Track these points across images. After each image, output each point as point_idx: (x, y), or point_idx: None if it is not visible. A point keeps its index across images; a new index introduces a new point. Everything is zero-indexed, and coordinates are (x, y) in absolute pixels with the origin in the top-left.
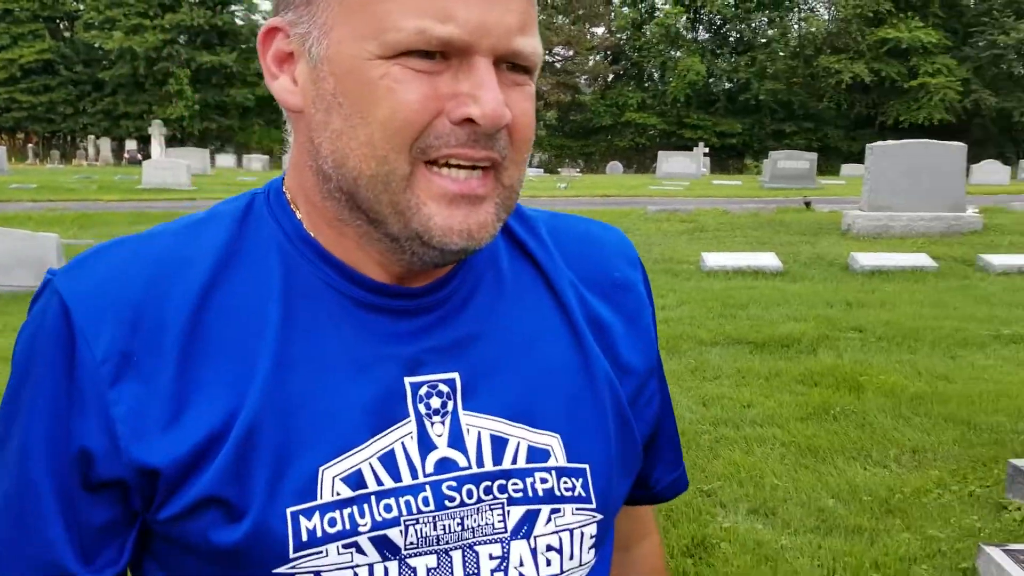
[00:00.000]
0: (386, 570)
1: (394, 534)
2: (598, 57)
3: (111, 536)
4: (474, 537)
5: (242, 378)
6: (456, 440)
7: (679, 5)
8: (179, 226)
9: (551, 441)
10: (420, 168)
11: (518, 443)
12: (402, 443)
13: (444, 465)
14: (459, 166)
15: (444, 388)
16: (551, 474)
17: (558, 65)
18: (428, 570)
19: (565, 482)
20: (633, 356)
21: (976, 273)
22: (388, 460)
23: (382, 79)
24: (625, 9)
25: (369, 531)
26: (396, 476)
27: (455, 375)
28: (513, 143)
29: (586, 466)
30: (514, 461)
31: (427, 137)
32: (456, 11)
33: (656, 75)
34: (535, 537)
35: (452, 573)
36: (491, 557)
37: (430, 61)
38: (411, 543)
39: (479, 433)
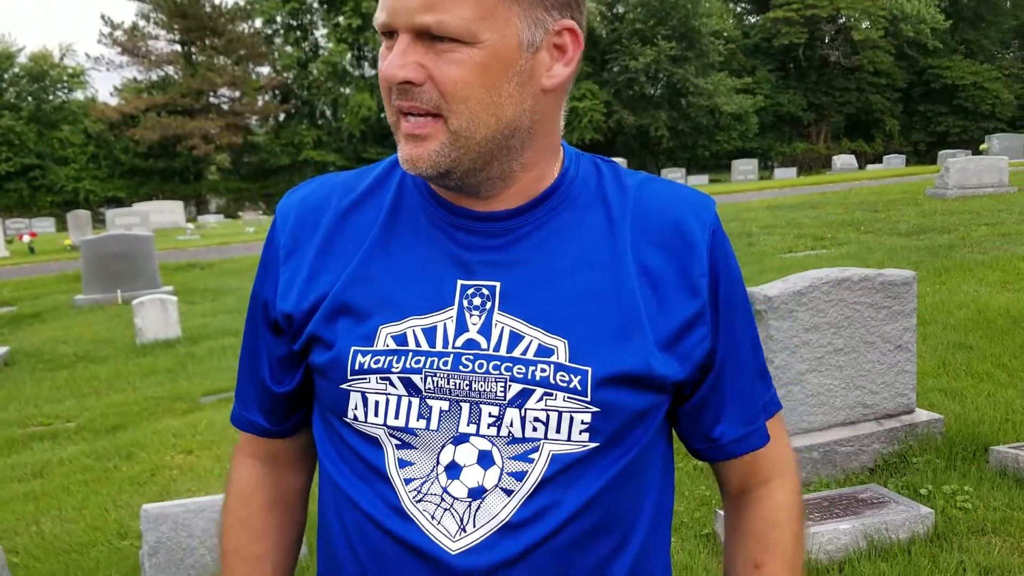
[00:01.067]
0: (410, 403)
1: (416, 379)
2: (267, 97)
3: (287, 366)
4: (479, 398)
5: (346, 263)
6: (485, 329)
7: (342, 43)
8: (363, 168)
9: (558, 344)
10: (400, 117)
11: (531, 340)
12: (444, 323)
13: (470, 344)
14: (412, 114)
15: (486, 292)
16: (550, 367)
17: (225, 107)
18: (441, 412)
19: (562, 376)
20: (677, 300)
21: None
22: (429, 331)
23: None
24: (288, 48)
25: (399, 372)
26: (432, 343)
27: (497, 284)
28: (444, 97)
29: (588, 368)
30: (524, 352)
31: (392, 97)
32: (380, 15)
33: (328, 112)
34: (526, 409)
35: (460, 417)
36: (490, 415)
37: (390, 39)
38: (429, 388)
39: (503, 328)
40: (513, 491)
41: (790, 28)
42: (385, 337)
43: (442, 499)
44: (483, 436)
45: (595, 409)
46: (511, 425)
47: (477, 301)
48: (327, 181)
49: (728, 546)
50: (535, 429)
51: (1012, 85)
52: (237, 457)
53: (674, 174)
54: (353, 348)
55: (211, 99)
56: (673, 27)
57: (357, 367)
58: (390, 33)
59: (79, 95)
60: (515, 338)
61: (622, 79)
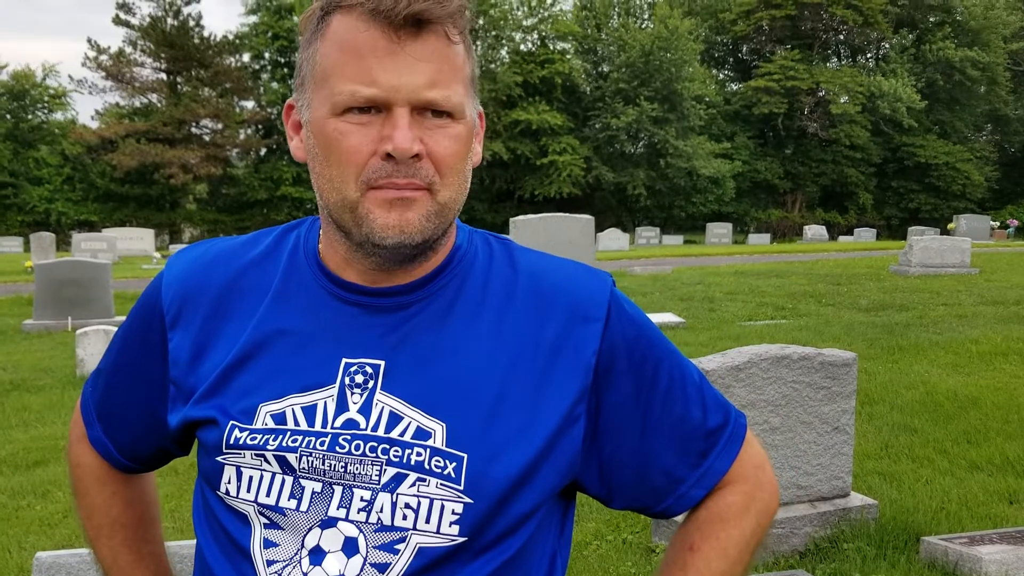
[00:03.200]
0: (283, 481)
1: (291, 457)
2: (249, 131)
3: (161, 426)
4: (353, 481)
5: (232, 339)
6: (365, 409)
7: None
8: (251, 235)
9: (436, 427)
10: (367, 192)
11: (410, 422)
12: (324, 401)
13: (349, 424)
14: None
15: (369, 370)
16: (426, 451)
17: (207, 138)
18: (313, 493)
19: (437, 461)
20: (564, 382)
21: None
22: (309, 410)
23: (333, 131)
24: (274, 84)
25: (274, 451)
26: (311, 422)
27: (381, 363)
28: (439, 171)
29: (464, 455)
30: (402, 434)
31: (367, 172)
32: (377, 76)
33: None
34: (398, 494)
35: (331, 500)
36: (361, 499)
37: (365, 115)
38: (303, 468)
39: (383, 408)
40: None
41: (770, 98)
42: (264, 415)
43: None
44: (351, 521)
45: (468, 500)
46: (381, 511)
47: (360, 379)
48: (213, 247)
49: (671, 539)
50: (404, 517)
51: (983, 167)
52: (76, 446)
53: (648, 233)
54: (232, 423)
55: (193, 129)
56: (656, 89)
57: (233, 442)
58: (366, 108)
59: (59, 116)
60: (394, 419)
61: (603, 136)
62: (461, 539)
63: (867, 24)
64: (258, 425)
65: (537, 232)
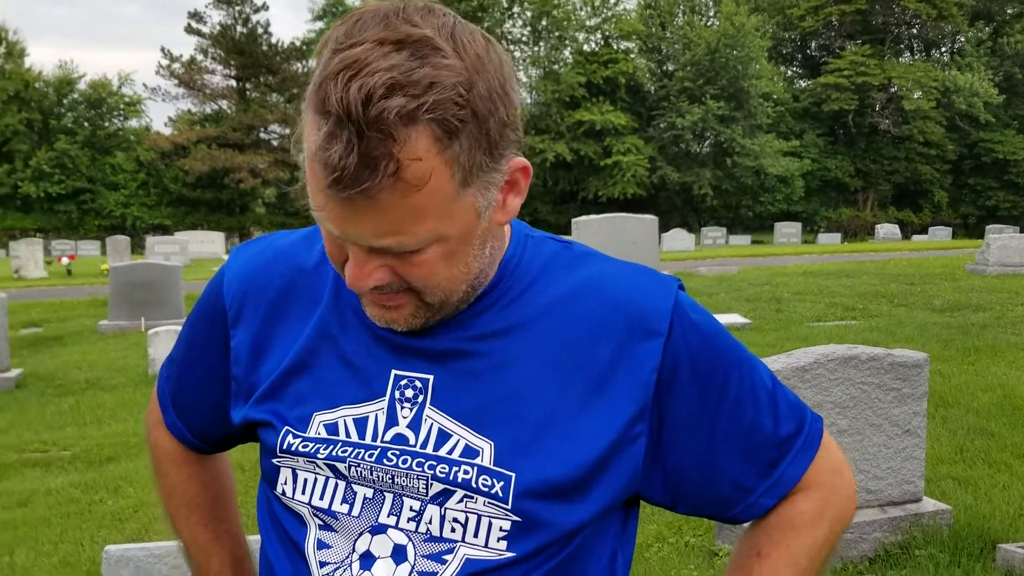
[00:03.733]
0: (336, 485)
1: (341, 466)
2: None
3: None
4: (402, 491)
5: (289, 340)
6: (414, 424)
7: None
8: (311, 229)
9: (484, 445)
10: None
11: (458, 440)
12: (375, 414)
13: (398, 439)
14: None
15: (419, 384)
16: (473, 469)
17: (274, 143)
18: (364, 498)
19: (484, 480)
20: (620, 400)
21: None
22: (360, 422)
23: (320, 227)
24: None
25: (324, 459)
26: (362, 434)
27: (430, 377)
28: (421, 291)
29: (512, 474)
30: (450, 452)
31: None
32: (326, 223)
33: None
34: (446, 508)
35: (382, 507)
36: (411, 509)
37: None
38: (353, 476)
39: (432, 424)
40: None
41: (840, 94)
42: (318, 425)
43: None
44: (401, 529)
45: (516, 518)
46: (430, 522)
47: (409, 393)
48: (273, 243)
49: (738, 543)
50: (453, 530)
51: None
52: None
53: (714, 233)
54: (286, 428)
55: (261, 134)
56: (722, 87)
57: (287, 447)
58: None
59: (134, 123)
60: (443, 436)
61: (668, 135)
62: (510, 555)
63: (941, 17)
64: (311, 434)
65: (600, 233)
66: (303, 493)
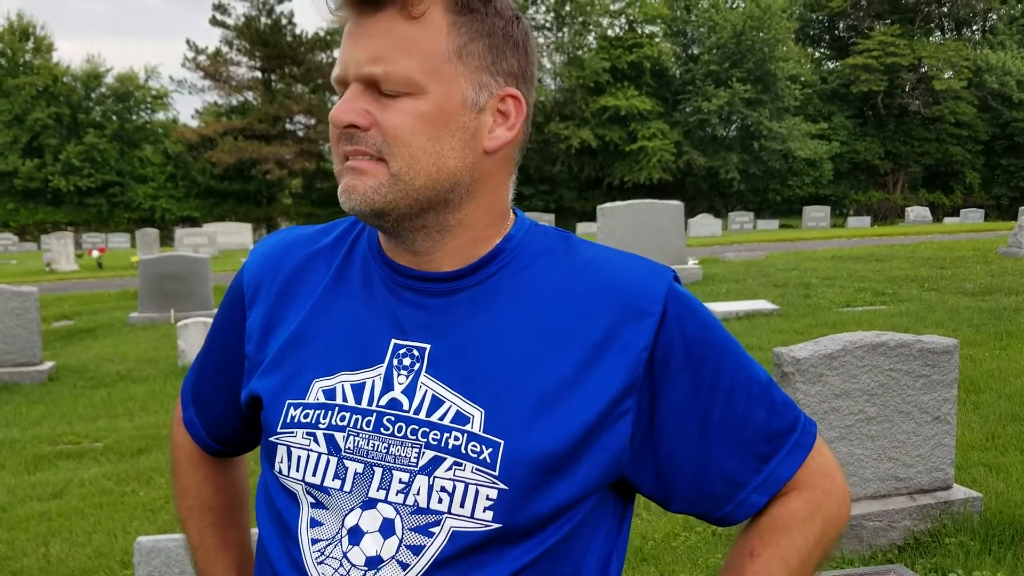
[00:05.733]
0: (328, 461)
1: (339, 437)
2: None
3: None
4: (393, 463)
5: (294, 317)
6: (409, 391)
7: None
8: (331, 223)
9: (475, 412)
10: (345, 163)
11: (450, 406)
12: (372, 380)
13: (392, 403)
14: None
15: (416, 353)
16: (463, 435)
17: (300, 133)
18: (355, 474)
19: (473, 446)
20: (610, 375)
21: None
22: (358, 387)
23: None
24: None
25: (324, 429)
26: (358, 399)
27: (427, 346)
28: (387, 140)
29: (501, 441)
30: (442, 418)
31: (339, 144)
32: (342, 55)
33: None
34: (435, 477)
35: (371, 481)
36: (400, 481)
37: (343, 93)
38: (348, 448)
39: (426, 391)
40: (409, 565)
41: (869, 75)
42: (317, 391)
43: (341, 564)
44: (390, 503)
45: (502, 486)
46: (418, 493)
47: (407, 362)
48: (292, 234)
49: (732, 545)
50: (440, 500)
51: None
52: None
53: (742, 218)
54: (287, 401)
55: (287, 125)
56: (748, 70)
57: (289, 420)
58: (345, 86)
59: (161, 116)
60: (436, 402)
61: (694, 120)
62: (495, 525)
63: None
64: (311, 399)
65: (625, 219)
66: (297, 470)
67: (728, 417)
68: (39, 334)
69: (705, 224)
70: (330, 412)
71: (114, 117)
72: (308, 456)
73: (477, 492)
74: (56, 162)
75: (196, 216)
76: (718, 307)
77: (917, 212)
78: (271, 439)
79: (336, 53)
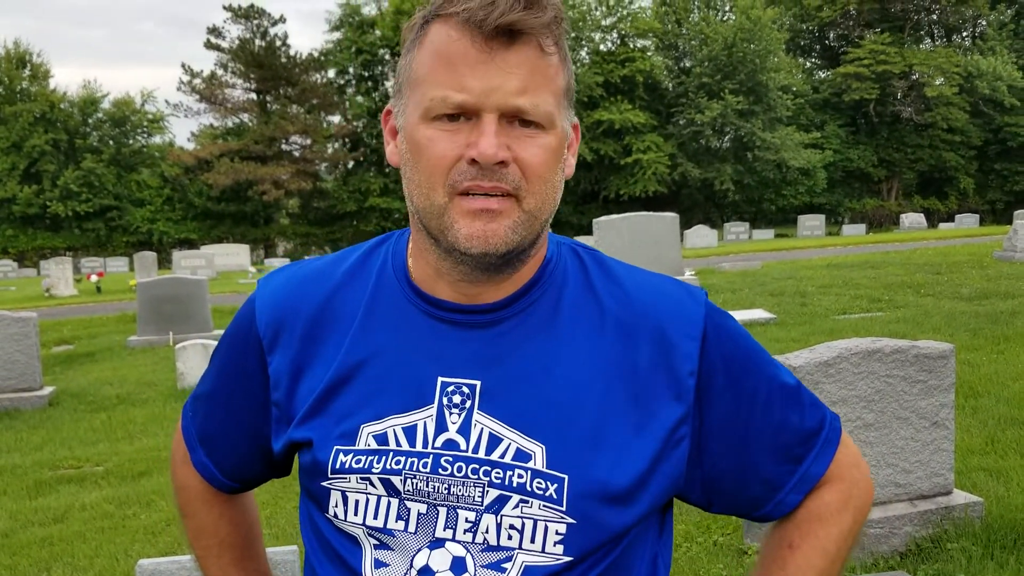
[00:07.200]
0: (389, 504)
1: (396, 480)
2: (337, 145)
3: (265, 450)
4: (457, 502)
5: (329, 360)
6: (464, 429)
7: None
8: (338, 254)
9: (536, 449)
10: (455, 198)
11: (509, 444)
12: (424, 421)
13: (449, 444)
14: (482, 194)
15: (466, 390)
16: (527, 473)
17: (296, 154)
18: (419, 514)
19: (539, 483)
20: (661, 404)
21: None
22: (409, 430)
23: (423, 137)
24: (359, 98)
25: (379, 473)
26: (412, 443)
27: (477, 383)
28: (526, 178)
29: (564, 476)
30: (502, 456)
31: (453, 175)
32: (468, 82)
33: None
34: (502, 515)
35: (437, 521)
36: (467, 520)
37: (455, 122)
38: (408, 490)
39: (482, 429)
40: None
41: (861, 84)
42: (367, 437)
43: None
44: (458, 542)
45: (571, 520)
46: (486, 532)
47: (457, 399)
48: (302, 268)
49: (767, 537)
50: (510, 537)
51: None
52: (180, 468)
53: (737, 228)
54: (335, 447)
55: (283, 146)
56: (740, 81)
57: (338, 467)
58: (455, 116)
59: (158, 140)
60: (493, 440)
61: (687, 132)
62: (567, 559)
63: (961, 1)
64: (361, 446)
65: (621, 232)
66: (355, 514)
67: (766, 426)
68: (39, 359)
69: (701, 235)
70: (384, 457)
71: (111, 142)
72: (367, 500)
73: (547, 528)
74: (54, 188)
75: (194, 238)
76: None
77: (912, 219)
78: (323, 484)
79: (331, 74)
